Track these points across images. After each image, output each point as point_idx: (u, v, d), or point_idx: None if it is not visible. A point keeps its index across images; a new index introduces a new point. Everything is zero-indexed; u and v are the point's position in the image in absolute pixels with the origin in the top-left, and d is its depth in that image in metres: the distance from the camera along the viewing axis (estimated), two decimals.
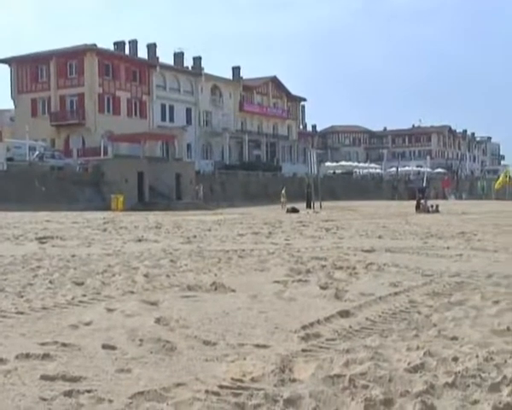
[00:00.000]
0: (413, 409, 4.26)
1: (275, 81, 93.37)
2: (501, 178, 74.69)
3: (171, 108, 75.12)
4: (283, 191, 47.28)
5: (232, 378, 4.91)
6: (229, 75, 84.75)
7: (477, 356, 5.50)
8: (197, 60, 79.41)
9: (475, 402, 4.46)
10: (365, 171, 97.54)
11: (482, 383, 4.84)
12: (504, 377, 4.93)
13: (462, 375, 4.98)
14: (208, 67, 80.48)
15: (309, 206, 44.20)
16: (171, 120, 74.48)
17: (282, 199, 46.70)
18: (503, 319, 7.37)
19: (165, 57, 77.22)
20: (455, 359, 5.47)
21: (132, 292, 8.99)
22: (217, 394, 4.54)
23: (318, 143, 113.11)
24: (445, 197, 75.47)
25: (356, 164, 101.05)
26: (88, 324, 6.84)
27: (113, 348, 5.81)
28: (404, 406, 4.36)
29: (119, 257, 13.32)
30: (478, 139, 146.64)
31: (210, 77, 79.77)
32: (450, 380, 4.88)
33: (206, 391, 4.55)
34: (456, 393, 4.66)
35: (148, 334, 6.35)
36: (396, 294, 9.01)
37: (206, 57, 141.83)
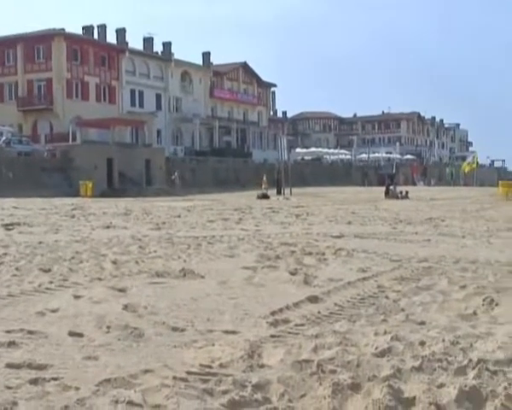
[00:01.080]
0: (380, 393, 4.27)
1: (245, 67, 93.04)
2: (469, 164, 75.56)
3: (141, 93, 74.47)
4: (264, 178, 47.13)
5: (200, 364, 4.90)
6: (199, 61, 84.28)
7: (444, 340, 5.55)
8: (167, 45, 78.74)
9: (441, 386, 4.49)
10: (335, 157, 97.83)
11: (448, 367, 4.88)
12: (470, 360, 4.99)
13: (429, 359, 5.02)
14: (178, 53, 79.92)
15: (279, 192, 44.29)
16: (141, 105, 73.85)
17: (264, 186, 46.58)
18: (470, 303, 7.45)
19: (135, 42, 76.56)
20: (422, 343, 5.51)
21: (100, 279, 8.93)
22: (185, 380, 4.51)
23: (289, 129, 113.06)
24: (414, 183, 76.10)
25: (326, 150, 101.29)
26: (55, 311, 6.76)
27: (80, 335, 5.75)
28: (371, 390, 4.38)
29: (86, 244, 13.21)
30: (446, 126, 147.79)
31: (180, 62, 79.17)
32: (416, 364, 4.92)
33: (174, 378, 4.52)
34: (422, 377, 4.69)
35: (115, 321, 6.29)
36: (364, 279, 9.07)
37: (176, 43, 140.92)
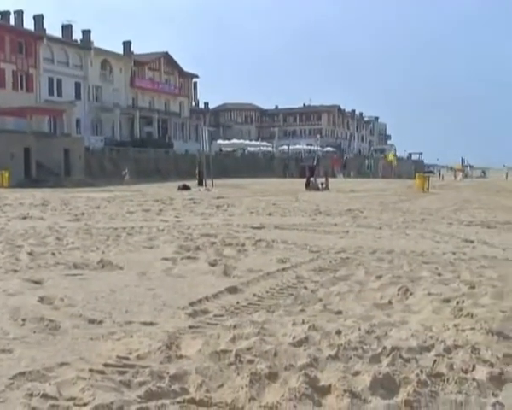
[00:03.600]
0: (297, 382, 4.34)
1: (167, 57, 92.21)
2: (390, 157, 77.49)
3: (59, 82, 72.71)
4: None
5: (118, 356, 4.85)
6: (119, 50, 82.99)
7: (359, 329, 5.67)
8: (86, 33, 77.12)
9: (357, 373, 4.59)
10: (257, 149, 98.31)
11: (363, 355, 5.00)
12: (384, 348, 5.12)
13: (345, 347, 5.13)
14: (98, 41, 78.50)
15: (201, 183, 44.13)
16: (60, 94, 72.12)
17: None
18: (386, 292, 7.63)
19: (53, 30, 74.74)
20: (338, 332, 5.61)
21: (15, 270, 8.70)
22: (101, 372, 4.46)
23: (211, 120, 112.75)
24: (334, 175, 77.22)
25: (248, 142, 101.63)
26: None
27: None
28: (288, 379, 4.43)
29: (2, 235, 12.85)
30: (366, 119, 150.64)
31: (100, 51, 77.72)
32: (333, 353, 5.01)
33: (91, 370, 4.47)
34: (338, 365, 4.78)
35: (31, 313, 6.16)
36: (284, 270, 9.16)
37: (95, 31, 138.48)
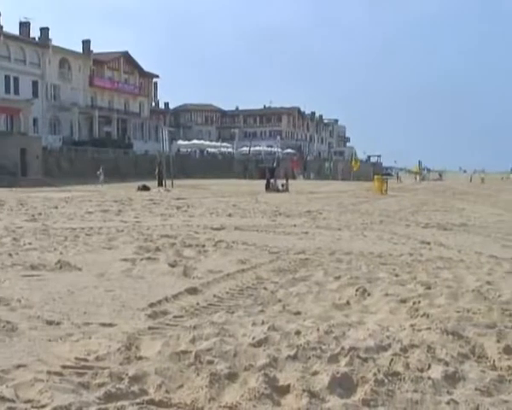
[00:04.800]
0: (256, 382, 4.37)
1: (126, 56, 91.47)
2: (354, 161, 78.23)
3: (16, 79, 71.56)
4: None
5: (76, 358, 4.82)
6: (78, 48, 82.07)
7: (318, 329, 5.73)
8: (44, 31, 76.01)
9: (315, 373, 4.65)
10: (217, 150, 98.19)
11: (322, 355, 5.05)
12: (342, 348, 5.18)
13: (304, 348, 5.18)
14: (56, 39, 77.47)
15: (160, 184, 43.90)
16: (16, 92, 70.95)
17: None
18: (344, 293, 7.72)
19: (10, 27, 73.54)
20: (297, 332, 5.66)
21: None
22: (59, 374, 4.44)
23: (171, 121, 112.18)
24: (294, 177, 77.48)
25: (208, 143, 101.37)
26: None
27: None
28: (247, 379, 4.47)
29: None
30: (325, 121, 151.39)
31: (58, 49, 76.70)
32: (292, 353, 5.06)
33: (49, 372, 4.44)
34: (297, 365, 4.83)
35: None
36: (243, 271, 9.20)
37: (54, 29, 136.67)
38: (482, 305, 6.83)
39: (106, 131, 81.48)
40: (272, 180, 41.46)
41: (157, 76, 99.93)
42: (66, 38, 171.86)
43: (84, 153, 66.02)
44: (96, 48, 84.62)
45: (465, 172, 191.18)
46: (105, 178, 47.47)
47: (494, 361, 5.05)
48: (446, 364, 4.92)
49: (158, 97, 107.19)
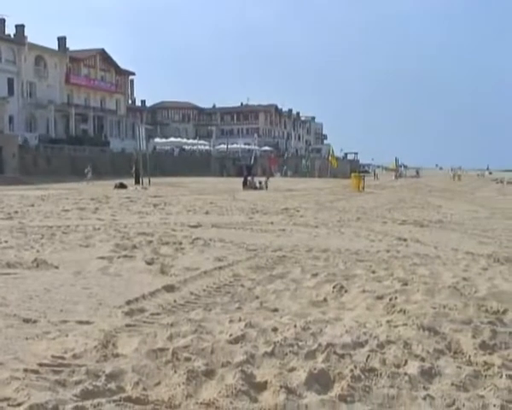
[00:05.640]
0: (233, 379, 4.38)
1: (103, 54, 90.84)
2: (331, 157, 78.32)
3: None
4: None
5: (53, 356, 4.80)
6: (54, 46, 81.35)
7: (295, 326, 5.75)
8: (20, 28, 75.23)
9: (292, 370, 4.67)
10: (195, 147, 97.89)
11: (299, 352, 5.07)
12: (319, 344, 5.21)
13: (281, 344, 5.19)
14: (32, 37, 76.75)
15: (137, 182, 43.71)
16: None
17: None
18: (321, 290, 7.75)
19: None
20: (274, 329, 5.68)
21: None
22: (36, 372, 4.41)
23: (147, 118, 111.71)
24: (271, 174, 77.49)
25: (185, 140, 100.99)
26: None
27: None
28: (224, 376, 4.47)
29: None
30: (303, 119, 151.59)
31: (34, 46, 75.95)
32: (269, 350, 5.07)
33: (25, 370, 4.41)
34: (274, 361, 4.85)
35: None
36: (221, 268, 9.19)
37: (30, 26, 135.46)
38: (458, 301, 6.89)
39: (82, 128, 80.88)
40: (250, 178, 41.45)
41: (133, 73, 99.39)
42: (41, 35, 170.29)
43: (61, 151, 65.47)
44: (71, 45, 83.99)
45: (441, 169, 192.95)
46: (92, 175, 47.15)
47: (470, 357, 5.10)
48: (423, 360, 4.96)
49: (134, 95, 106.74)
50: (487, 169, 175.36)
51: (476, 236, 14.47)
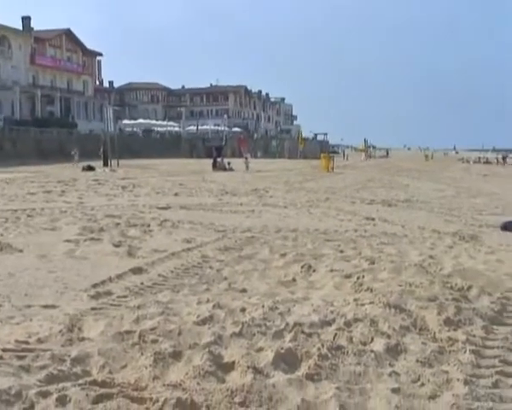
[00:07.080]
0: (201, 360, 4.36)
1: (69, 34, 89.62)
2: (300, 139, 78.49)
3: None
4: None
5: (16, 341, 4.73)
6: (18, 25, 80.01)
7: (263, 306, 5.75)
8: None
9: (260, 350, 4.67)
10: (164, 129, 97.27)
11: (267, 332, 5.08)
12: (287, 324, 5.22)
13: (249, 324, 5.19)
14: None
15: (106, 164, 43.33)
16: None
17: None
18: (289, 270, 7.77)
19: None
20: (243, 310, 5.68)
21: None
22: None
23: (116, 99, 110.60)
24: (241, 156, 77.25)
25: (154, 122, 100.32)
26: None
27: None
28: (192, 357, 4.45)
29: None
30: (272, 100, 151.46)
31: None
32: (237, 330, 5.07)
33: None
34: (242, 342, 4.84)
35: None
36: (189, 249, 9.16)
37: None
38: (424, 279, 6.95)
39: (49, 110, 79.83)
40: (219, 159, 41.33)
41: (101, 54, 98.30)
42: (5, 15, 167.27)
43: (27, 133, 64.57)
44: (36, 25, 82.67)
45: (409, 149, 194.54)
46: (79, 158, 46.53)
47: (435, 333, 5.15)
48: (389, 337, 4.99)
49: (102, 76, 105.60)
50: (454, 149, 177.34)
51: (442, 214, 14.63)
